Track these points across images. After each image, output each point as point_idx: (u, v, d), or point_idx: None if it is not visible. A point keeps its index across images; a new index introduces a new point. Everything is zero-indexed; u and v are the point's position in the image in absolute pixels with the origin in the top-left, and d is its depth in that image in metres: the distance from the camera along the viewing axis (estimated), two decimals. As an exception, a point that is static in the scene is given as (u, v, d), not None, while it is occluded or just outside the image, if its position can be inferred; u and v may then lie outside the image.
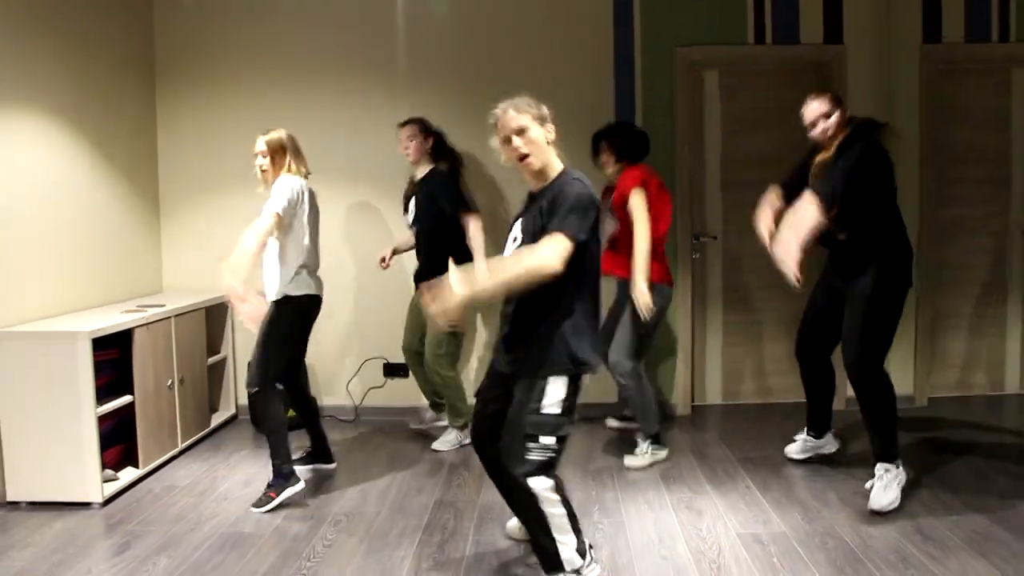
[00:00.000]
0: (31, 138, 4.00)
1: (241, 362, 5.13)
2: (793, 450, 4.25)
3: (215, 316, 5.08)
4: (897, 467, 3.65)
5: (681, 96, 5.08)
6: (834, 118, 3.65)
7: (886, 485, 3.58)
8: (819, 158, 3.74)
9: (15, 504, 3.75)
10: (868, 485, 3.64)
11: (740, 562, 3.08)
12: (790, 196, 3.69)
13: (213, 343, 5.09)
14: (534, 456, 2.65)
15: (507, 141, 2.77)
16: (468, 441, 4.51)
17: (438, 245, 4.37)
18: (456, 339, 4.57)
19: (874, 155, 3.54)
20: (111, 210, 4.69)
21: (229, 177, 5.13)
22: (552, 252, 2.55)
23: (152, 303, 4.57)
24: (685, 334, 5.23)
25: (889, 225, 3.65)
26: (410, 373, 4.86)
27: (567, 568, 2.70)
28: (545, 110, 2.80)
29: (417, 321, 4.62)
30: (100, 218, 4.58)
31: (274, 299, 3.77)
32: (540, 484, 2.65)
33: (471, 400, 4.18)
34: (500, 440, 2.77)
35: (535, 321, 2.72)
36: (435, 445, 4.60)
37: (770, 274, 4.89)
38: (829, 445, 4.23)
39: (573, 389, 2.71)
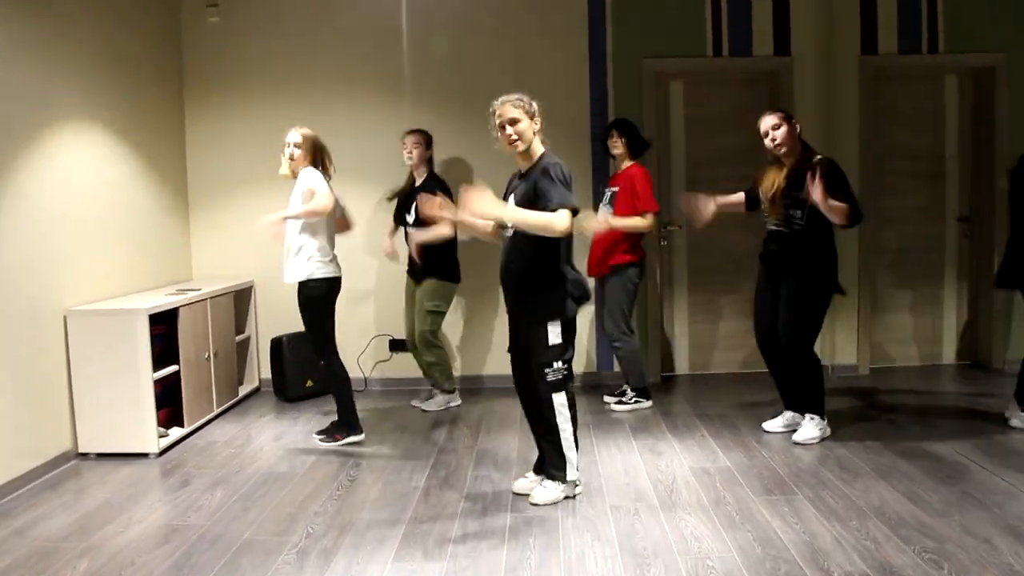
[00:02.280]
0: (82, 147, 4.67)
1: (263, 341, 5.83)
2: (775, 424, 4.65)
3: (241, 299, 5.78)
4: (823, 419, 4.43)
5: (648, 103, 5.79)
6: (783, 130, 4.33)
7: (811, 426, 4.39)
8: (771, 173, 4.43)
9: (85, 455, 4.44)
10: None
11: (689, 487, 3.80)
12: (751, 204, 4.61)
13: (239, 323, 5.78)
14: (551, 378, 3.55)
15: (502, 128, 3.58)
16: (455, 403, 5.36)
17: (435, 243, 5.09)
18: (440, 318, 5.27)
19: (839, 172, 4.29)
20: (149, 206, 5.38)
21: (248, 177, 5.83)
22: (562, 219, 3.40)
23: (190, 287, 5.26)
24: (655, 312, 5.94)
25: (823, 233, 4.34)
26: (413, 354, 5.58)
27: (568, 478, 3.64)
28: (535, 105, 3.60)
29: (413, 310, 5.34)
30: (140, 213, 5.26)
31: (302, 279, 4.47)
32: (558, 399, 3.55)
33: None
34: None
35: (529, 271, 3.57)
36: (424, 405, 5.36)
37: (730, 258, 5.76)
38: None
39: (566, 322, 3.57)
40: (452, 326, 5.83)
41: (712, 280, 6.12)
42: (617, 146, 5.18)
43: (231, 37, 5.83)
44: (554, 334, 3.54)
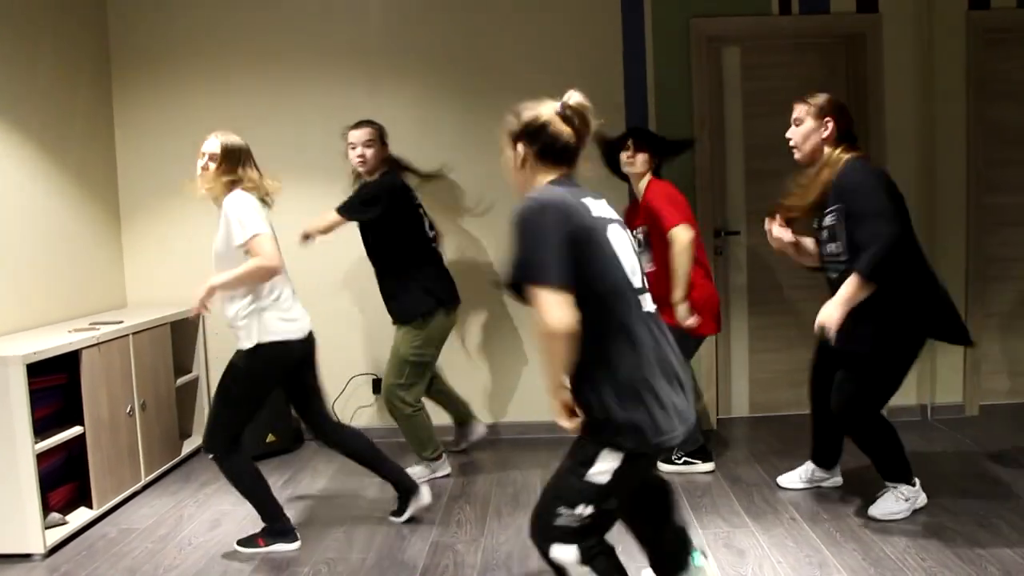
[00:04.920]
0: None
1: (214, 380, 4.59)
2: (791, 479, 3.71)
3: (183, 331, 4.57)
4: (911, 486, 3.30)
5: (698, 75, 4.55)
6: (803, 129, 3.25)
7: (891, 500, 3.28)
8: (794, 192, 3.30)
9: (-56, 557, 3.24)
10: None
11: (797, 619, 2.56)
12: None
13: (183, 362, 4.58)
14: (562, 522, 2.10)
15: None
16: (442, 473, 4.04)
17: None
18: (418, 369, 3.90)
19: None
20: (65, 219, 4.18)
21: (194, 181, 4.59)
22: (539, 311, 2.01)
23: (108, 320, 4.05)
24: (708, 342, 4.69)
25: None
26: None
27: None
28: (524, 118, 2.20)
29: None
30: (50, 228, 4.06)
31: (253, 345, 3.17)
32: (564, 553, 2.10)
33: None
34: None
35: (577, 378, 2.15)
36: (409, 470, 3.99)
37: (801, 272, 4.34)
38: (835, 478, 3.70)
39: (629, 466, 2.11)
40: (455, 359, 4.60)
41: (778, 299, 4.86)
42: (635, 163, 3.85)
43: (168, 11, 4.61)
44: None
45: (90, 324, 3.90)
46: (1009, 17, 4.59)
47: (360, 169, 3.88)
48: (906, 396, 4.66)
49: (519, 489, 3.85)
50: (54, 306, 4.07)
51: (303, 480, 4.10)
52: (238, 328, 3.13)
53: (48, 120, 4.06)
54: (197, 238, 4.56)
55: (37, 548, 3.22)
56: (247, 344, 3.11)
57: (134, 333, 3.93)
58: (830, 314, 2.99)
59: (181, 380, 4.47)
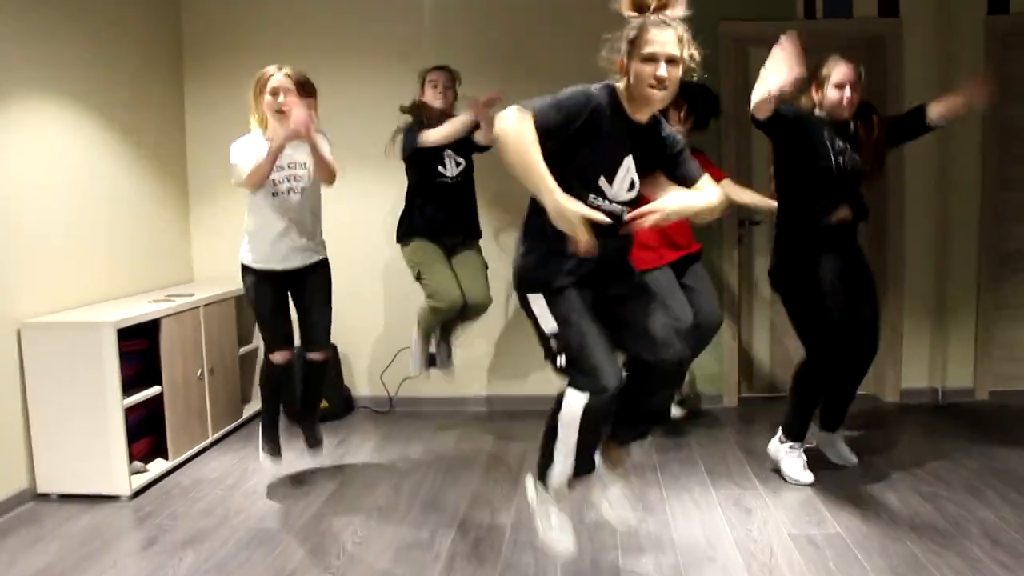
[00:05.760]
0: (57, 127, 3.92)
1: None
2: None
3: (246, 306, 4.97)
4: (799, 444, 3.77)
5: (726, 75, 4.85)
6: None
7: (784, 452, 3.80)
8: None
9: (45, 496, 3.68)
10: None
11: (793, 566, 2.89)
12: None
13: (245, 333, 5.00)
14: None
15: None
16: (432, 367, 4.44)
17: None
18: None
19: None
20: (139, 198, 4.60)
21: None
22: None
23: (181, 292, 4.47)
24: (731, 323, 5.01)
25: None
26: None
27: (543, 486, 2.70)
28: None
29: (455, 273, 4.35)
30: (128, 207, 4.49)
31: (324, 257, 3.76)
32: (569, 399, 2.52)
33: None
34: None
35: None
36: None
37: None
38: (842, 451, 3.94)
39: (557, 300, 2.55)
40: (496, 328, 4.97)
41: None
42: (682, 125, 4.18)
43: (237, 9, 5.01)
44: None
45: (166, 296, 4.33)
46: (1026, 21, 4.82)
47: (439, 105, 4.20)
48: (918, 379, 4.97)
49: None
50: (131, 279, 4.49)
51: (353, 441, 4.51)
52: (315, 242, 3.69)
53: (126, 108, 4.48)
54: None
55: (124, 491, 3.65)
56: (326, 255, 3.74)
57: (204, 305, 4.35)
58: None
59: (243, 350, 4.89)
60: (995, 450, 4.05)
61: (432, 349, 4.41)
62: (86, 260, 4.11)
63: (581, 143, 2.47)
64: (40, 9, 3.79)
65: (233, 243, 5.05)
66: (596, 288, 2.60)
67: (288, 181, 3.53)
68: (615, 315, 2.63)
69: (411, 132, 4.11)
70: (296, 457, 4.07)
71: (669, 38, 2.44)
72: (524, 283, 2.61)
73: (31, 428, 3.64)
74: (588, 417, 2.49)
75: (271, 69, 3.49)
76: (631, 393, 2.60)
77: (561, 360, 2.52)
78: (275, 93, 3.45)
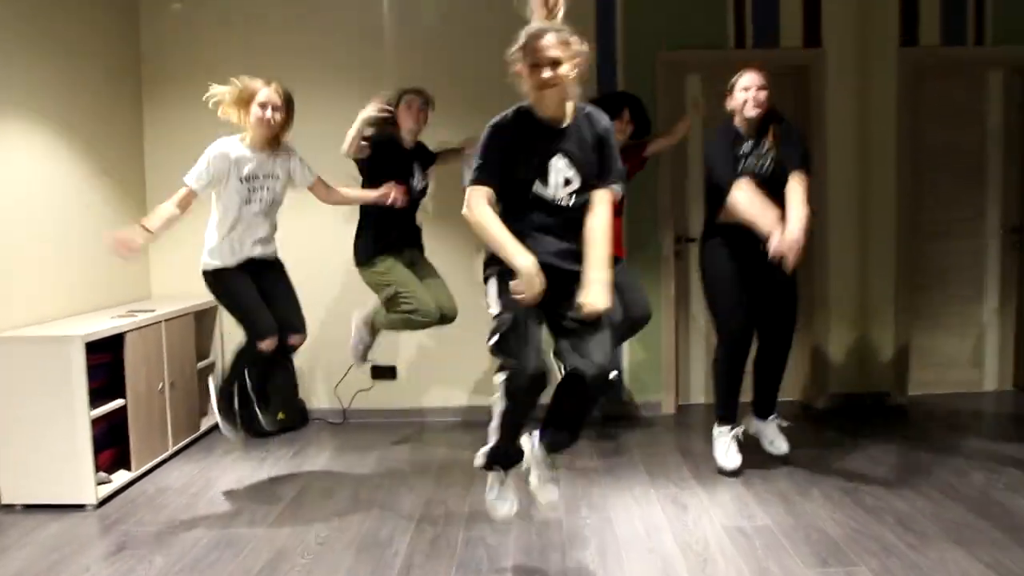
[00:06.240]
0: (18, 143, 4.04)
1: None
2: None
3: (204, 321, 5.12)
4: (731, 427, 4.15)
5: (663, 100, 5.16)
6: (766, 93, 3.95)
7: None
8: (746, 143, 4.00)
9: (10, 507, 3.79)
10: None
11: (726, 554, 3.16)
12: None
13: (202, 348, 5.13)
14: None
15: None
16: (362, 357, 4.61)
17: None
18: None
19: None
20: (98, 215, 4.72)
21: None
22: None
23: (142, 308, 4.61)
24: (669, 334, 5.31)
25: None
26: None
27: (478, 462, 3.04)
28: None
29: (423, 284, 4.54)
30: (88, 223, 4.61)
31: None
32: (497, 379, 2.82)
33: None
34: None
35: None
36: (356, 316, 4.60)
37: None
38: (775, 441, 4.22)
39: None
40: (446, 341, 5.19)
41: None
42: (624, 133, 4.52)
43: (196, 29, 5.18)
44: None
45: (128, 311, 4.46)
46: (935, 52, 5.24)
47: (410, 125, 4.49)
48: (843, 384, 5.33)
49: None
50: (91, 295, 4.60)
51: (310, 452, 4.67)
52: (272, 243, 4.04)
53: (87, 127, 4.62)
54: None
55: (90, 500, 3.78)
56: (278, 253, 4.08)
57: (166, 320, 4.49)
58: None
59: (201, 364, 5.03)
60: (911, 448, 4.40)
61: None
62: (45, 276, 4.22)
63: (509, 162, 2.80)
64: (4, 36, 3.92)
65: (190, 260, 5.18)
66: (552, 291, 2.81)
67: (261, 190, 3.87)
68: (559, 323, 2.87)
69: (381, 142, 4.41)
70: (256, 466, 4.23)
71: (551, 42, 2.75)
72: (487, 267, 2.93)
73: (-3, 441, 3.75)
74: (509, 393, 2.77)
75: (259, 83, 3.80)
76: (561, 395, 2.90)
77: (492, 340, 2.80)
78: (264, 106, 3.74)
